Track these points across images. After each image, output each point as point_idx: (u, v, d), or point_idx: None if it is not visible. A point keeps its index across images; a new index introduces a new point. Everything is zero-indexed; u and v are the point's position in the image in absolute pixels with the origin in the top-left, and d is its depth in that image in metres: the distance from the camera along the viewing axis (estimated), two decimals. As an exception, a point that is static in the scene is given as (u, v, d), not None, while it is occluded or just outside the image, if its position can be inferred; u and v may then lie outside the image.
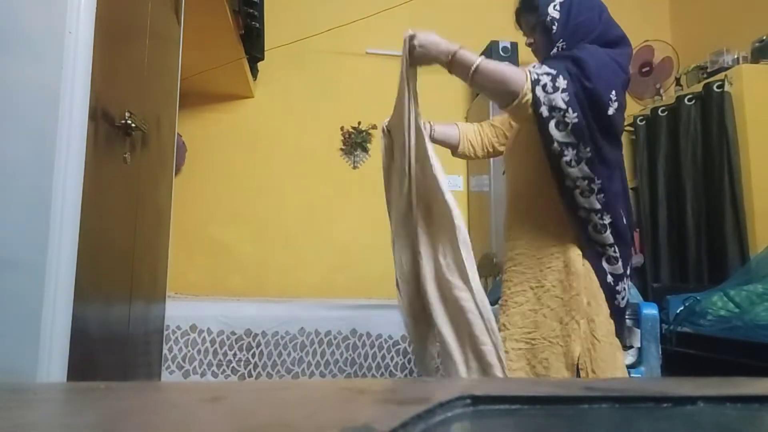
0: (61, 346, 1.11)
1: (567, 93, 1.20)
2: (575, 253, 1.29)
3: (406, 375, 2.42)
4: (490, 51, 3.78)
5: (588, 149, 1.21)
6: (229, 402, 0.35)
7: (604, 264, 1.29)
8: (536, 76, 1.23)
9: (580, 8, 1.36)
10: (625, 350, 1.90)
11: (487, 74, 1.26)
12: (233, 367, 2.50)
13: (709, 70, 3.68)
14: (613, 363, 1.26)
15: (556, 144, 1.21)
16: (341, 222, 3.99)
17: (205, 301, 2.98)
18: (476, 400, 0.33)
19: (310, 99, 4.10)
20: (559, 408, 0.34)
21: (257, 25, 3.28)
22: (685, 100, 3.68)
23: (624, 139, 4.97)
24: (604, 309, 1.28)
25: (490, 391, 0.35)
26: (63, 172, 1.12)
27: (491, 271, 3.23)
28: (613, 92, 1.25)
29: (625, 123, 4.85)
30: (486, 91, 1.41)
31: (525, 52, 3.91)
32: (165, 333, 2.22)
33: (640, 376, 1.74)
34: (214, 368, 2.49)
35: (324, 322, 2.56)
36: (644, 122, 4.04)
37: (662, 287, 3.36)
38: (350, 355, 2.50)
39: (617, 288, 1.29)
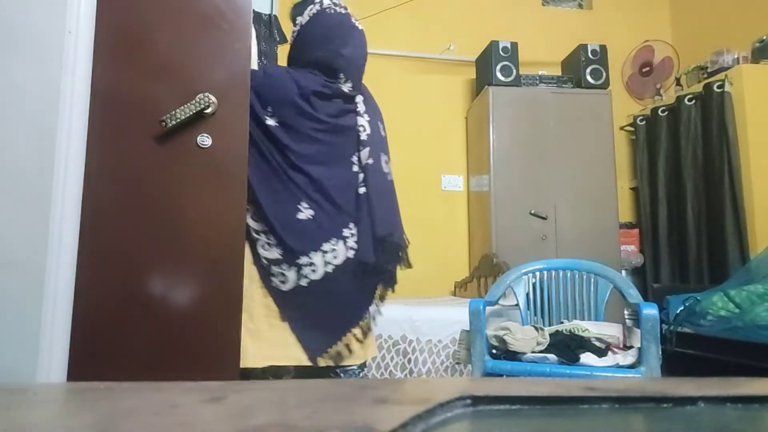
0: (61, 346, 1.11)
1: None
2: None
3: (406, 375, 2.42)
4: (490, 51, 3.78)
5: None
6: (229, 402, 0.35)
7: (260, 249, 1.45)
8: None
9: (319, 26, 1.58)
10: (625, 350, 1.90)
11: None
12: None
13: (709, 70, 3.68)
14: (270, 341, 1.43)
15: None
16: (341, 222, 3.98)
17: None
18: (476, 400, 0.33)
19: (310, 99, 4.09)
20: (559, 408, 0.34)
21: (257, 25, 3.28)
22: (686, 100, 3.69)
23: (624, 139, 4.93)
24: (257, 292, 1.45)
25: (490, 391, 0.35)
26: (63, 172, 1.12)
27: (491, 270, 3.23)
28: (269, 107, 1.47)
29: (626, 123, 4.78)
30: None
31: (525, 52, 3.93)
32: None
33: (639, 376, 1.73)
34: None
35: (324, 322, 2.56)
36: (644, 122, 4.04)
37: (662, 287, 3.36)
38: (350, 355, 2.50)
39: (271, 271, 1.45)
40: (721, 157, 3.40)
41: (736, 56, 3.54)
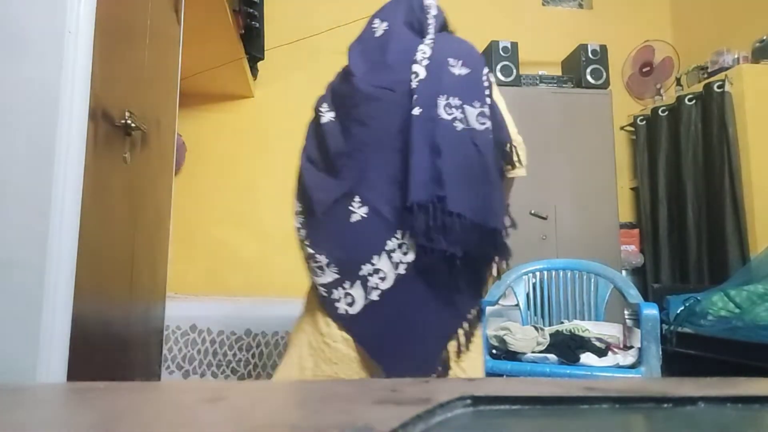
0: (61, 346, 1.11)
1: None
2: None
3: (406, 375, 2.42)
4: (490, 51, 3.77)
5: None
6: (229, 402, 0.35)
7: (313, 278, 1.26)
8: None
9: None
10: (625, 350, 1.90)
11: None
12: (233, 367, 2.50)
13: (709, 70, 3.67)
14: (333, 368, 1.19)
15: None
16: (341, 222, 3.99)
17: (205, 301, 2.98)
18: (476, 400, 0.33)
19: (310, 99, 4.04)
20: (559, 408, 0.34)
21: (257, 24, 3.28)
22: (686, 100, 3.68)
23: (624, 139, 4.92)
24: (320, 323, 1.22)
25: (490, 391, 0.35)
26: (63, 172, 1.12)
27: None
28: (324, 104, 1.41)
29: (626, 123, 4.77)
30: None
31: (525, 52, 3.93)
32: (165, 333, 2.22)
33: (640, 376, 1.73)
34: (214, 368, 2.49)
35: (324, 322, 2.56)
36: (644, 122, 4.04)
37: (662, 287, 3.36)
38: (350, 355, 2.50)
39: (333, 297, 1.21)
40: (722, 157, 3.40)
41: (736, 56, 3.54)
